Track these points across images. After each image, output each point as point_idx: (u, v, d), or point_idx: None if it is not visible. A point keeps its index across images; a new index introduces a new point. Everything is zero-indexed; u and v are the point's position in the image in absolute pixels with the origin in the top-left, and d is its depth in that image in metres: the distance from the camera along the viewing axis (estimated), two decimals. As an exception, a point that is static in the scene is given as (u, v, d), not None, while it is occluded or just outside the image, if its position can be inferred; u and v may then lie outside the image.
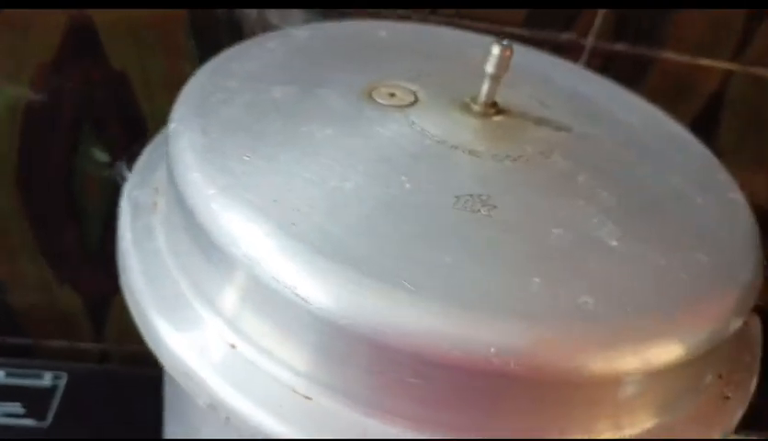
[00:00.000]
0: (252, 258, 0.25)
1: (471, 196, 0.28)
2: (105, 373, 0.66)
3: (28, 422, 0.60)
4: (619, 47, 0.56)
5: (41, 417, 0.60)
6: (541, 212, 0.28)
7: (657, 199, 0.31)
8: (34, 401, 0.62)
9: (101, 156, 0.59)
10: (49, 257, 0.63)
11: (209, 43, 0.53)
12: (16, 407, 0.61)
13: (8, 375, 0.63)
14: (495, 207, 0.28)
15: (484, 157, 0.30)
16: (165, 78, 0.54)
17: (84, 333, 0.68)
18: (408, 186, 0.28)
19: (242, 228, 0.26)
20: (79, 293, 0.65)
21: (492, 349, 0.23)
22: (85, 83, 0.54)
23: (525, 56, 0.40)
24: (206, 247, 0.27)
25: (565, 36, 0.55)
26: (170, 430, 0.43)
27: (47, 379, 0.64)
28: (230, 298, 0.27)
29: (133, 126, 0.57)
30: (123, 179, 0.44)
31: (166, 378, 0.41)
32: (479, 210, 0.27)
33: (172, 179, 0.29)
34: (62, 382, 0.64)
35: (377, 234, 0.26)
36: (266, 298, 0.25)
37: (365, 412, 0.25)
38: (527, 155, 0.31)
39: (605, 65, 0.56)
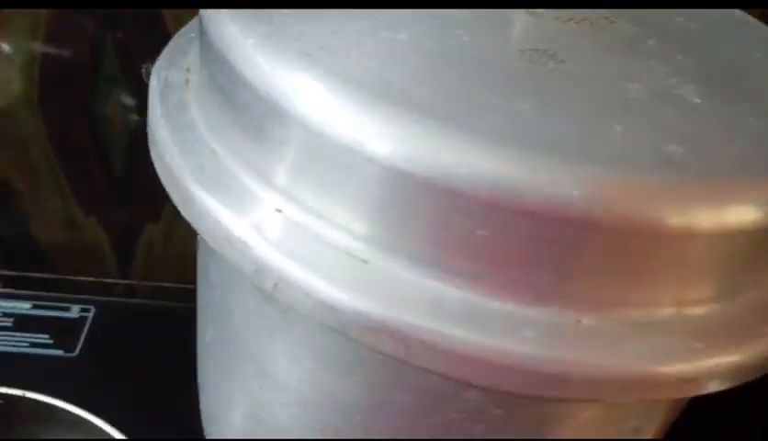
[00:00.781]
0: (302, 107, 0.23)
1: (536, 50, 0.26)
2: (132, 307, 0.65)
3: (57, 352, 0.59)
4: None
5: (70, 348, 0.59)
6: (613, 69, 0.26)
7: (735, 65, 0.29)
8: (62, 332, 0.60)
9: (124, 86, 0.57)
10: (73, 188, 0.61)
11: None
12: (43, 337, 0.60)
13: (35, 306, 0.62)
14: (563, 61, 0.25)
15: (546, 18, 0.28)
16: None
17: (110, 268, 0.66)
18: (466, 38, 0.26)
19: (289, 76, 0.23)
20: (105, 227, 0.64)
21: (575, 192, 0.21)
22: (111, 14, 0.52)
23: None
24: (247, 106, 0.25)
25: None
26: (201, 318, 0.41)
27: (74, 311, 0.63)
28: (276, 159, 0.25)
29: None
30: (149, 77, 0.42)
31: (200, 253, 0.39)
32: (546, 63, 0.25)
33: (207, 40, 0.27)
34: (90, 314, 0.62)
35: (439, 82, 0.23)
36: (320, 152, 0.23)
37: (427, 273, 0.23)
38: (591, 19, 0.29)
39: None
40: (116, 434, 0.42)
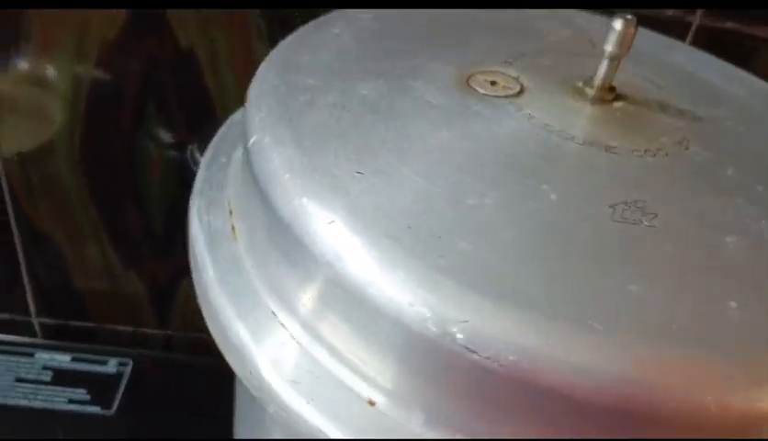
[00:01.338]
0: (414, 314, 0.21)
1: (626, 203, 0.24)
2: (170, 361, 0.65)
3: (94, 409, 0.59)
4: (729, 25, 0.50)
5: (107, 404, 0.59)
6: (704, 216, 0.24)
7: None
8: (99, 387, 0.60)
9: (165, 136, 0.56)
10: (113, 240, 0.61)
11: (278, 19, 0.50)
12: (81, 393, 0.60)
13: (74, 359, 0.63)
14: (656, 215, 0.24)
15: (622, 154, 0.26)
16: (232, 55, 0.51)
17: (147, 318, 0.66)
18: (553, 196, 0.24)
19: (387, 270, 0.21)
20: (143, 278, 0.64)
21: (710, 398, 0.19)
22: (151, 61, 0.52)
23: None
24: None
25: (670, 12, 0.49)
26: (239, 429, 0.41)
27: (112, 366, 0.63)
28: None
29: (199, 104, 0.54)
30: (195, 163, 0.41)
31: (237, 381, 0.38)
32: (640, 221, 0.23)
33: (269, 208, 0.24)
34: (128, 369, 0.62)
35: (540, 263, 0.21)
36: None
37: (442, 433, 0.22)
38: (665, 148, 0.27)
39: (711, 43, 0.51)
40: None
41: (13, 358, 0.62)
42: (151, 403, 0.60)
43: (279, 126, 0.26)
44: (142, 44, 0.51)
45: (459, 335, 0.20)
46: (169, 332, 0.67)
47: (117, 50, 0.51)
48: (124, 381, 0.61)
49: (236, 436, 0.42)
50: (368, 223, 0.22)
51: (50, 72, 0.53)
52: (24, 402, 0.59)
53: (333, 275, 0.22)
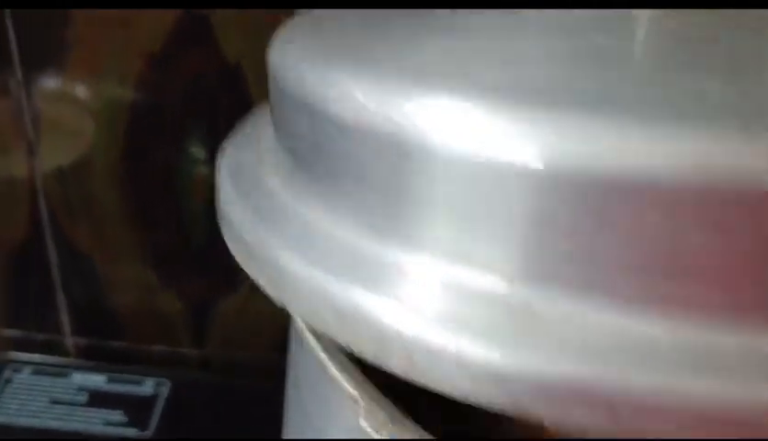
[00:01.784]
0: (438, 135, 0.19)
1: (683, 38, 0.22)
2: (207, 382, 0.63)
3: (131, 431, 0.57)
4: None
5: (144, 426, 0.58)
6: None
7: None
8: (136, 409, 0.59)
9: (206, 156, 0.55)
10: (151, 260, 0.60)
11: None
12: (117, 415, 0.58)
13: (110, 380, 0.61)
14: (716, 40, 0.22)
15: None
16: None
17: (184, 338, 0.65)
18: (599, 39, 0.22)
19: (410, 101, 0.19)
20: (181, 297, 0.62)
21: None
22: (195, 77, 0.51)
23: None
24: (346, 154, 0.21)
25: None
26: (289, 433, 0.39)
27: (148, 386, 0.61)
28: (396, 205, 0.21)
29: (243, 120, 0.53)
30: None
31: (290, 382, 0.37)
32: (699, 47, 0.22)
33: (284, 90, 0.23)
34: (165, 389, 0.61)
35: (591, 78, 0.20)
36: (458, 181, 0.19)
37: (620, 310, 0.18)
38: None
39: None
40: None
41: (47, 379, 0.61)
42: (189, 425, 0.58)
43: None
44: (188, 57, 0.50)
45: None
46: (206, 351, 0.65)
47: (160, 65, 0.51)
48: (161, 402, 0.60)
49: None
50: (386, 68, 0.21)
51: (92, 88, 0.53)
52: (58, 425, 0.57)
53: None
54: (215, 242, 0.60)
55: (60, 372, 0.61)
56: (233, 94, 0.51)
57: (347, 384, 0.25)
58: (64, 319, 0.64)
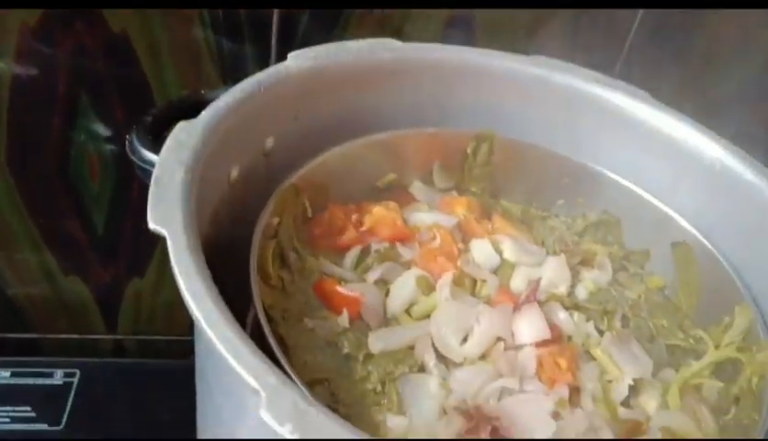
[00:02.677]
0: None
1: None
2: (118, 367, 0.61)
3: (40, 426, 0.55)
4: None
5: (54, 420, 0.55)
6: None
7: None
8: (45, 402, 0.56)
9: (102, 130, 0.52)
10: (51, 246, 0.57)
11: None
12: (25, 411, 0.56)
13: (14, 375, 0.58)
14: None
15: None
16: (172, 42, 0.48)
17: (95, 324, 0.62)
18: None
19: None
20: (87, 283, 0.60)
21: None
22: (79, 48, 0.47)
23: None
24: None
25: None
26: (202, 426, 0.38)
27: (58, 377, 0.58)
28: None
29: (136, 94, 0.50)
30: (134, 153, 0.38)
31: (198, 374, 0.36)
32: None
33: None
34: (75, 379, 0.58)
35: None
36: None
37: None
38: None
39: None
40: None
41: (-56, 379, 0.57)
42: (101, 414, 0.56)
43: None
44: (69, 30, 0.46)
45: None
46: (118, 336, 0.63)
47: (40, 38, 0.47)
48: (72, 393, 0.57)
49: (200, 435, 0.40)
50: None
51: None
52: (-38, 426, 0.54)
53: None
54: (118, 221, 0.57)
55: (-42, 371, 0.58)
56: (121, 64, 0.48)
57: (248, 376, 0.25)
58: (-40, 314, 0.60)
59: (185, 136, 0.34)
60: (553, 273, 0.41)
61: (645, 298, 0.43)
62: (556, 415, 0.34)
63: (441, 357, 0.37)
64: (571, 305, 0.40)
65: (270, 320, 0.37)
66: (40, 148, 0.52)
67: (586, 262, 0.45)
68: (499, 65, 0.46)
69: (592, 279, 0.42)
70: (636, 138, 0.45)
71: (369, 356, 0.36)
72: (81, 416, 0.56)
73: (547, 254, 0.44)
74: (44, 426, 0.55)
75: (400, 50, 0.45)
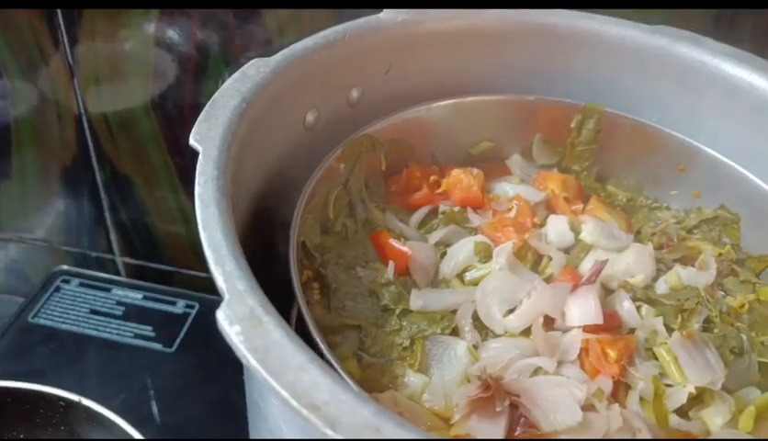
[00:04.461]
0: None
1: None
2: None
3: (155, 345, 0.60)
4: None
5: (169, 343, 0.60)
6: None
7: None
8: (164, 326, 0.62)
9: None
10: (186, 185, 0.62)
11: None
12: (147, 330, 0.61)
13: (145, 298, 0.65)
14: None
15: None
16: None
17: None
18: None
19: None
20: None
21: None
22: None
23: None
24: None
25: None
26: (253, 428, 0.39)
27: (179, 307, 0.64)
28: None
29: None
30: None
31: (246, 377, 0.37)
32: None
33: None
34: (193, 312, 0.63)
35: None
36: None
37: None
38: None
39: None
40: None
41: (91, 292, 0.65)
42: (210, 344, 0.60)
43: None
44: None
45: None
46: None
47: None
48: (188, 322, 0.62)
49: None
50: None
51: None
52: (94, 333, 0.61)
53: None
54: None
55: (103, 287, 0.66)
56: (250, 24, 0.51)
57: (218, 277, 0.25)
58: (113, 239, 0.68)
59: (253, 71, 0.36)
60: (633, 261, 0.37)
61: (751, 308, 0.37)
62: (589, 407, 0.31)
63: (480, 327, 0.35)
64: (644, 297, 0.36)
65: (322, 264, 0.37)
66: (180, 92, 0.57)
67: (687, 260, 0.40)
68: (615, 34, 0.42)
69: (680, 275, 0.37)
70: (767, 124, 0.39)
71: (406, 311, 0.35)
72: (191, 343, 0.61)
73: (641, 244, 0.39)
74: (159, 346, 0.60)
75: (507, 13, 0.43)
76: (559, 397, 0.31)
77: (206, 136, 0.31)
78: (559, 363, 0.33)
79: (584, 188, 0.44)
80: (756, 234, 0.40)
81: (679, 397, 0.32)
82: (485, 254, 0.37)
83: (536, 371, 0.33)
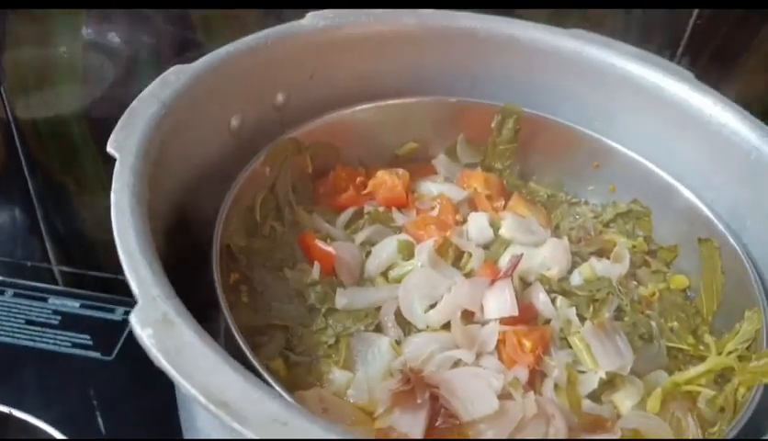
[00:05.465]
0: None
1: None
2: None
3: (94, 354, 0.60)
4: None
5: (107, 351, 0.60)
6: None
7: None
8: (103, 334, 0.61)
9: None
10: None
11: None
12: (85, 339, 0.61)
13: (82, 306, 0.64)
14: None
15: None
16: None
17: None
18: None
19: None
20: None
21: None
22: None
23: None
24: None
25: None
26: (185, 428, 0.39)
27: (118, 314, 0.64)
28: None
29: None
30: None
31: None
32: None
33: None
34: (132, 318, 0.63)
35: None
36: None
37: None
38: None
39: None
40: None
41: (26, 302, 0.64)
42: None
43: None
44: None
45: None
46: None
47: None
48: (127, 329, 0.62)
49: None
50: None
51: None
52: (30, 343, 0.60)
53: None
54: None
55: (39, 296, 0.65)
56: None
57: (132, 282, 0.26)
58: (49, 248, 0.67)
59: (173, 77, 0.36)
60: (549, 255, 0.39)
61: (661, 296, 0.40)
62: (506, 395, 0.32)
63: (403, 323, 0.36)
64: (559, 289, 0.37)
65: (248, 266, 0.38)
66: (110, 98, 0.56)
67: (603, 252, 0.41)
68: (531, 36, 0.44)
69: (594, 267, 0.39)
70: (675, 121, 0.41)
71: (332, 310, 0.36)
72: (130, 351, 0.60)
73: (559, 238, 0.41)
74: (97, 355, 0.60)
75: (426, 16, 0.44)
76: (476, 387, 0.32)
77: (123, 144, 0.32)
78: (478, 355, 0.34)
79: (507, 185, 0.46)
80: (666, 227, 0.42)
81: (591, 382, 0.34)
82: (408, 252, 0.38)
83: (457, 363, 0.34)
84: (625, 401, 0.34)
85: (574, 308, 0.36)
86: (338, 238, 0.40)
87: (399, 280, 0.37)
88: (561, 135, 0.44)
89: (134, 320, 0.24)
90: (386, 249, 0.39)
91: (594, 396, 0.34)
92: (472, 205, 0.43)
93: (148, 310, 0.24)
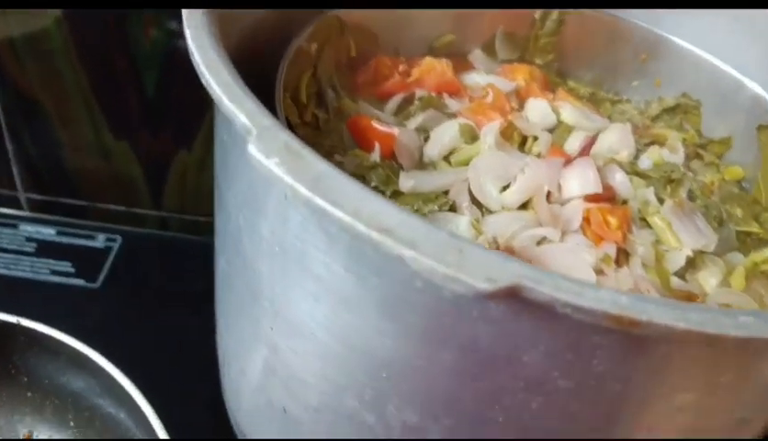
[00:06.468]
0: None
1: None
2: (159, 239, 0.60)
3: (77, 281, 0.55)
4: None
5: (92, 278, 0.55)
6: None
7: None
8: (85, 261, 0.56)
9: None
10: (104, 108, 0.56)
11: None
12: (65, 266, 0.56)
13: (59, 233, 0.58)
14: None
15: None
16: None
17: (142, 199, 0.62)
18: None
19: None
20: (136, 152, 0.59)
21: None
22: None
23: None
24: None
25: None
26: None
27: (100, 241, 0.58)
28: None
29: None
30: None
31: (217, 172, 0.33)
32: None
33: None
34: (116, 245, 0.58)
35: None
36: None
37: None
38: None
39: None
40: (115, 372, 0.37)
41: (-6, 229, 0.58)
42: (136, 278, 0.56)
43: None
44: None
45: None
46: (163, 213, 0.62)
47: None
48: (111, 256, 0.57)
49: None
50: None
51: None
52: (4, 271, 0.55)
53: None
54: (169, 86, 0.56)
55: (7, 223, 0.59)
56: None
57: (240, 114, 0.22)
58: (15, 173, 0.61)
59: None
60: (615, 138, 0.37)
61: (719, 186, 0.39)
62: (599, 271, 0.31)
63: (477, 204, 0.33)
64: (632, 171, 0.36)
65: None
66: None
67: (656, 143, 0.40)
68: None
69: (660, 152, 0.37)
70: (730, 10, 0.40)
71: (398, 193, 0.33)
72: (117, 278, 0.56)
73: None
74: (81, 282, 0.55)
75: None
76: (571, 262, 0.30)
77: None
78: (563, 233, 0.32)
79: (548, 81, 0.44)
80: (716, 119, 0.41)
81: (678, 260, 0.32)
82: (471, 136, 0.36)
83: (540, 242, 0.32)
84: (709, 279, 0.33)
85: (652, 188, 0.35)
86: (390, 123, 0.37)
87: (464, 163, 0.35)
88: (606, 25, 0.43)
89: (254, 150, 0.20)
90: (448, 132, 0.36)
91: (679, 275, 0.33)
92: (520, 97, 0.41)
93: (267, 139, 0.21)
